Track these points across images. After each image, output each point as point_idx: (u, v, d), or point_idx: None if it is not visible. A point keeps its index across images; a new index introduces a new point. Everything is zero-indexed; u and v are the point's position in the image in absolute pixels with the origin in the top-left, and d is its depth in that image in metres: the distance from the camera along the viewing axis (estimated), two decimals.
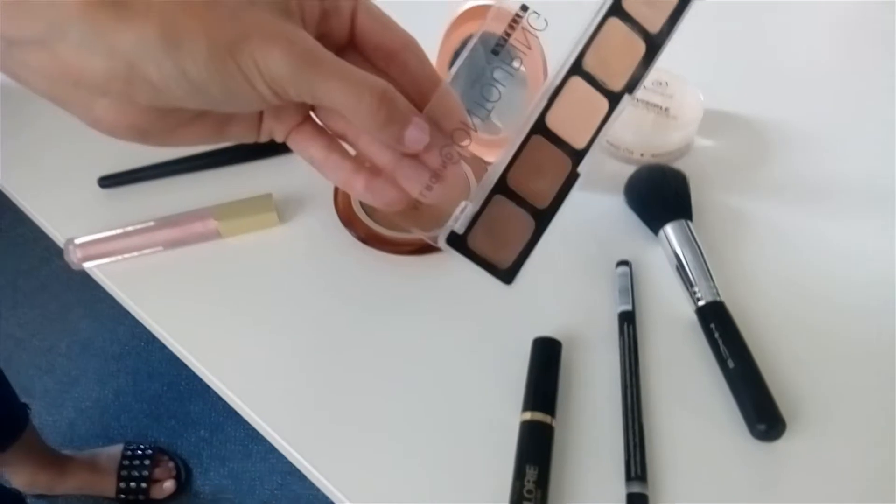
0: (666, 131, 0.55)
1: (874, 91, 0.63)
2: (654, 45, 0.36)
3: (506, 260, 0.35)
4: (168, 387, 1.36)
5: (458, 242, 0.35)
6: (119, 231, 0.50)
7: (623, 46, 0.36)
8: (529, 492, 0.38)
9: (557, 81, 0.36)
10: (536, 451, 0.40)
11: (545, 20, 0.36)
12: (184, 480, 1.23)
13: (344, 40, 0.33)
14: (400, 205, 0.33)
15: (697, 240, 0.49)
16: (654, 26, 0.36)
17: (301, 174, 0.54)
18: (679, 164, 0.56)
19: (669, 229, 0.49)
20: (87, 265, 0.50)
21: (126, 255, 0.50)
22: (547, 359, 0.44)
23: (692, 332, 0.46)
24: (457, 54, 0.53)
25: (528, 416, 0.42)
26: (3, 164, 0.56)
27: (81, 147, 0.56)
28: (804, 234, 0.52)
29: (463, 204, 0.35)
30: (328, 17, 0.32)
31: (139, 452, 1.22)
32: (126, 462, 1.20)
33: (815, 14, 0.70)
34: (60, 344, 1.42)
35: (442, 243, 0.36)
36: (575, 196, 0.35)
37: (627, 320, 0.46)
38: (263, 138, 0.34)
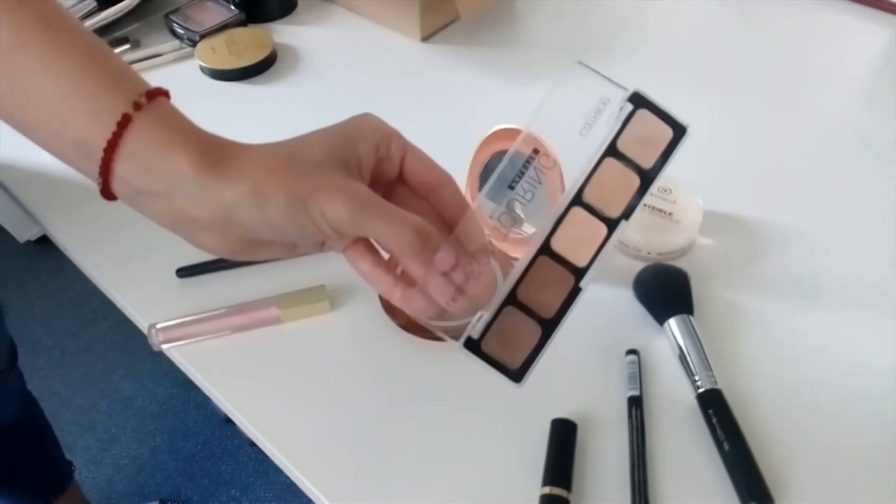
0: (670, 233, 0.62)
1: (863, 194, 0.70)
2: (647, 178, 0.42)
3: (516, 362, 0.41)
4: (202, 446, 1.42)
5: (473, 346, 0.41)
6: (194, 317, 0.58)
7: (619, 181, 0.42)
8: None
9: (561, 211, 0.42)
10: None
11: (554, 160, 0.44)
12: None
13: (394, 178, 0.42)
14: (428, 313, 0.41)
15: (698, 332, 0.56)
16: (647, 163, 0.42)
17: (349, 268, 0.62)
18: (682, 262, 0.63)
19: (673, 322, 0.56)
20: (165, 347, 0.58)
21: (199, 338, 0.58)
22: (564, 438, 0.51)
23: (693, 416, 0.53)
24: (486, 168, 0.62)
25: (547, 490, 0.48)
26: (99, 261, 0.65)
27: (161, 243, 0.64)
28: (795, 328, 0.59)
29: (479, 314, 0.41)
30: (382, 164, 0.41)
31: None
32: None
33: (806, 122, 0.78)
34: (101, 403, 1.50)
35: (459, 347, 0.41)
36: (590, 290, 0.41)
37: (636, 404, 0.53)
38: (324, 252, 0.43)
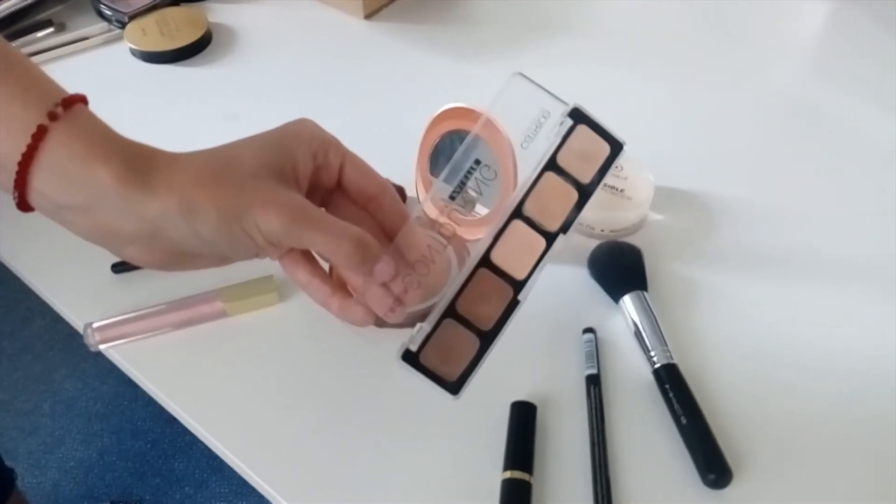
0: (622, 210, 0.62)
1: (812, 166, 0.71)
2: (585, 193, 0.42)
3: (453, 375, 0.41)
4: (152, 445, 1.38)
5: (411, 359, 0.40)
6: (133, 314, 0.55)
7: (558, 195, 0.42)
8: None
9: (501, 224, 0.42)
10: None
11: (494, 171, 0.45)
12: None
13: (332, 186, 0.41)
14: (366, 323, 0.40)
15: (652, 308, 0.55)
16: (585, 177, 0.42)
17: None
18: (635, 238, 0.63)
19: (628, 299, 0.56)
20: (102, 347, 0.55)
21: (140, 337, 0.55)
22: (523, 421, 0.50)
23: (650, 392, 0.53)
24: (435, 148, 0.60)
25: (508, 474, 0.47)
26: (29, 259, 0.61)
27: None
28: (748, 301, 0.59)
29: (418, 326, 0.41)
30: (319, 171, 0.40)
31: None
32: None
33: (754, 96, 0.79)
34: (44, 405, 1.44)
35: (397, 360, 0.40)
36: (545, 269, 0.41)
37: (594, 383, 0.53)
38: (260, 259, 0.41)
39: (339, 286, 0.41)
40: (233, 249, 0.37)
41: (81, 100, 0.35)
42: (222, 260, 0.39)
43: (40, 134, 0.32)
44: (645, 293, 0.56)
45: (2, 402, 1.43)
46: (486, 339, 0.41)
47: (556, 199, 0.42)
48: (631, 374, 0.54)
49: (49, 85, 0.35)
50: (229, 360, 0.55)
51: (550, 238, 0.42)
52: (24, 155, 0.32)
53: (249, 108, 0.76)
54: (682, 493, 0.48)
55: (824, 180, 0.69)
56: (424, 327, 0.41)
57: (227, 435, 0.52)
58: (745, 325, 0.57)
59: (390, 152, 0.66)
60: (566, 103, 0.42)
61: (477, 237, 0.61)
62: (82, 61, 0.81)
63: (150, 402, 1.49)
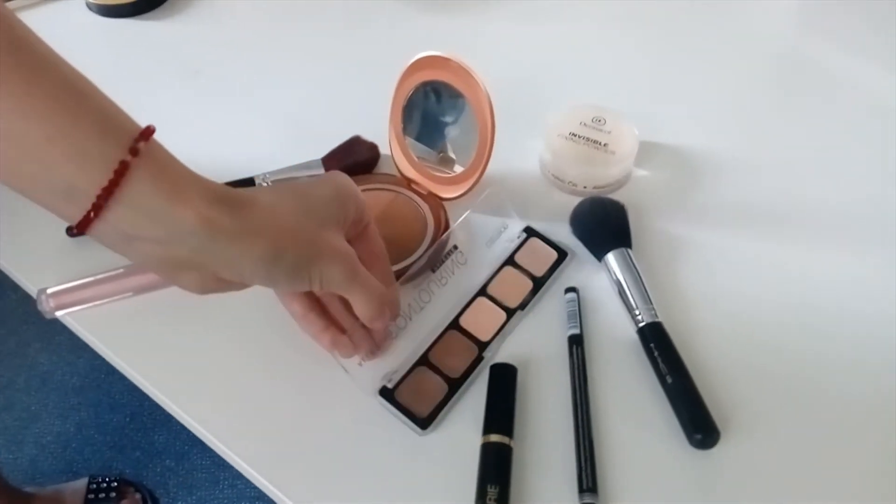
0: (606, 165, 0.59)
1: (796, 118, 0.68)
2: (539, 282, 0.54)
3: (424, 412, 0.47)
4: (131, 418, 1.35)
5: (387, 395, 0.48)
6: (90, 279, 0.52)
7: (516, 282, 0.54)
8: None
9: (468, 299, 0.53)
10: (497, 470, 0.44)
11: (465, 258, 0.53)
12: None
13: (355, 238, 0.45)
14: (351, 356, 0.47)
15: (636, 266, 0.53)
16: (538, 272, 0.55)
17: None
18: (619, 195, 0.60)
19: (611, 257, 0.54)
20: (59, 313, 0.52)
21: (97, 303, 0.52)
22: (503, 384, 0.48)
23: (635, 351, 0.51)
24: (409, 101, 0.57)
25: (487, 438, 0.45)
26: None
27: None
28: (734, 256, 0.57)
29: (394, 368, 0.49)
30: (350, 226, 0.44)
31: (104, 485, 1.21)
32: (91, 496, 1.20)
33: (738, 48, 0.76)
34: (18, 379, 1.41)
35: (374, 394, 0.48)
36: (508, 334, 0.51)
37: (576, 343, 0.50)
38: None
39: (332, 322, 0.47)
40: (288, 287, 0.42)
41: (152, 132, 0.35)
42: (244, 286, 0.41)
43: (122, 170, 0.33)
44: (629, 250, 0.54)
45: None
46: (454, 385, 0.48)
47: (514, 286, 0.54)
48: (615, 334, 0.52)
49: (122, 117, 0.35)
50: (192, 327, 0.53)
51: (511, 312, 0.52)
52: (104, 189, 0.32)
53: (212, 64, 0.72)
54: (669, 454, 0.46)
55: (810, 133, 0.67)
56: (400, 371, 0.49)
57: (189, 401, 0.49)
58: (731, 282, 0.55)
59: (361, 107, 0.63)
60: (522, 222, 0.57)
61: (453, 195, 0.58)
62: (37, 15, 0.76)
63: None
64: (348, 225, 0.43)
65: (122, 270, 0.52)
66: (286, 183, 0.42)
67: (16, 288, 1.52)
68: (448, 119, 0.57)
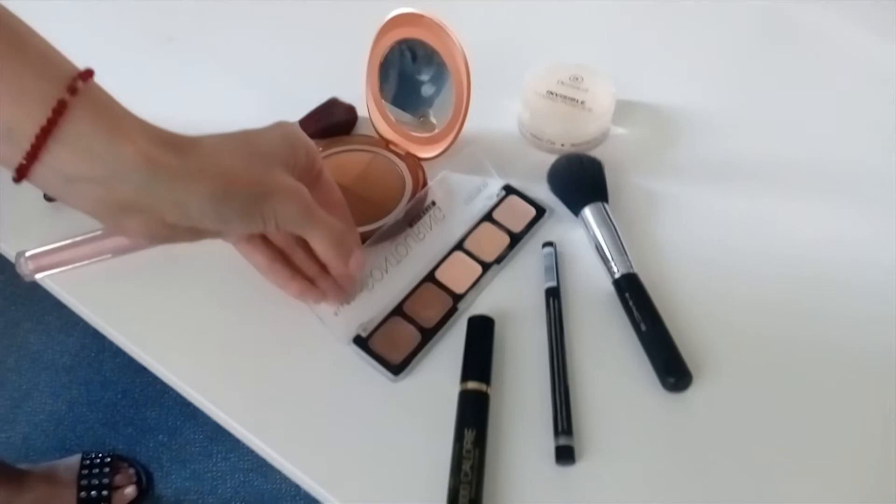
0: (583, 123, 0.60)
1: (774, 77, 0.69)
2: (516, 238, 0.55)
3: (397, 359, 0.48)
4: (122, 395, 1.36)
5: (361, 343, 0.49)
6: (68, 241, 0.52)
7: (494, 238, 0.55)
8: (468, 451, 0.43)
9: (444, 254, 0.54)
10: (473, 415, 0.45)
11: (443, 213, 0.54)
12: (145, 485, 1.24)
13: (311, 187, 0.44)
14: (318, 303, 0.48)
15: (613, 220, 0.54)
16: (516, 228, 0.55)
17: None
18: (597, 152, 0.61)
19: (588, 211, 0.54)
20: (38, 276, 0.52)
21: (77, 265, 0.52)
22: (481, 334, 0.49)
23: (610, 303, 0.51)
24: (385, 60, 0.57)
25: (465, 385, 0.46)
26: None
27: None
28: (709, 211, 0.58)
29: (369, 318, 0.50)
30: (303, 172, 0.44)
31: (98, 461, 1.22)
32: (85, 472, 1.20)
33: (716, 6, 0.76)
34: (9, 359, 1.41)
35: (348, 342, 0.49)
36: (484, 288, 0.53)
37: (553, 295, 0.51)
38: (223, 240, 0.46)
39: (298, 271, 0.47)
40: (241, 226, 0.41)
41: (91, 74, 0.35)
42: (199, 235, 0.41)
43: (60, 108, 0.33)
44: (605, 204, 0.55)
45: None
46: (428, 335, 0.49)
47: (491, 241, 0.54)
48: (591, 286, 0.53)
49: (60, 59, 0.35)
50: (173, 288, 0.53)
51: (486, 266, 0.53)
52: (42, 129, 0.32)
53: (186, 30, 0.71)
54: (643, 398, 0.47)
55: (788, 92, 0.67)
56: (374, 320, 0.49)
57: (169, 357, 0.50)
58: (706, 236, 0.56)
59: (337, 68, 0.63)
60: (501, 181, 0.57)
61: (431, 154, 0.58)
62: None
63: (118, 353, 1.46)
64: (299, 170, 0.43)
65: (100, 233, 0.53)
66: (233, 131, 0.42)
67: (3, 269, 1.51)
68: (424, 77, 0.57)
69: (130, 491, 1.21)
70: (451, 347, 0.49)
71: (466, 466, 0.42)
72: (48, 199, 0.56)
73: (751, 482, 0.44)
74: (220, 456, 1.28)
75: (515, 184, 0.58)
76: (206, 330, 0.51)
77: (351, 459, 0.45)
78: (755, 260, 0.54)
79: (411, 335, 0.49)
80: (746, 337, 0.50)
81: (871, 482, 0.44)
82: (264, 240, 0.47)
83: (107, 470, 1.21)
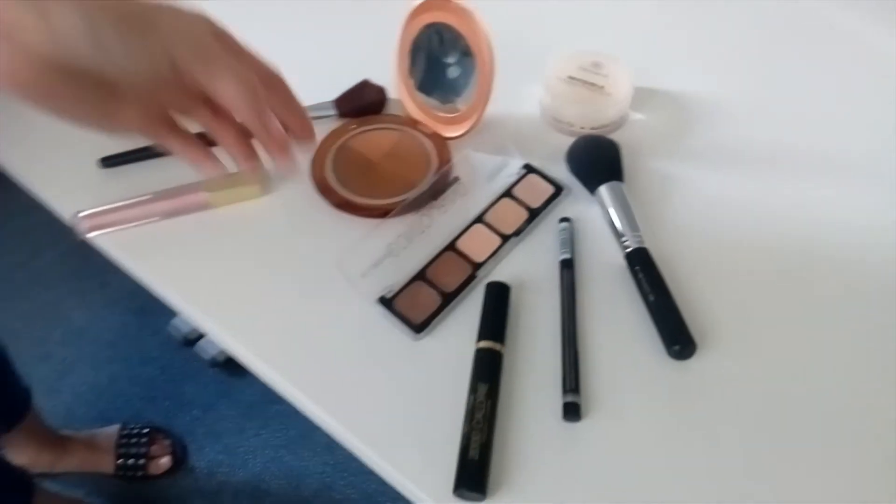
0: (602, 107, 0.62)
1: (793, 68, 0.70)
2: (534, 213, 0.58)
3: (418, 320, 0.52)
4: (161, 371, 1.42)
5: (386, 303, 0.53)
6: (121, 203, 0.57)
7: (513, 212, 0.58)
8: (481, 402, 0.46)
9: (465, 225, 0.57)
10: (487, 371, 0.48)
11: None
12: (180, 456, 1.29)
13: None
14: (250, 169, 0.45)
15: (627, 198, 0.56)
16: (535, 203, 0.58)
17: None
18: (615, 136, 0.63)
19: (604, 189, 0.57)
20: (92, 235, 0.57)
21: (127, 226, 0.57)
22: (498, 299, 0.52)
23: (621, 276, 0.54)
24: (415, 44, 0.60)
25: (481, 344, 0.49)
26: (8, 146, 0.62)
27: (84, 134, 0.63)
28: (720, 193, 0.60)
29: (394, 282, 0.53)
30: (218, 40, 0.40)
31: (136, 431, 1.28)
32: (123, 440, 1.26)
33: (730, 1, 0.78)
34: (54, 333, 1.48)
35: (373, 302, 0.52)
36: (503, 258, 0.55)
37: (567, 266, 0.54)
38: (133, 128, 0.41)
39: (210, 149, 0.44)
40: (129, 64, 0.35)
41: None
42: (100, 103, 0.37)
43: None
44: (621, 183, 0.57)
45: (15, 330, 1.47)
46: (448, 298, 0.53)
47: (511, 215, 0.58)
48: (603, 260, 0.55)
49: None
50: (216, 250, 0.57)
51: (506, 238, 0.56)
52: None
53: (225, 14, 0.75)
54: (648, 364, 0.50)
55: (805, 80, 0.69)
56: (398, 283, 0.53)
57: (209, 310, 0.53)
58: (718, 217, 0.58)
59: (369, 52, 0.67)
60: (521, 161, 0.61)
61: (456, 134, 0.62)
62: None
63: (158, 331, 1.53)
64: (209, 38, 0.38)
65: (150, 196, 0.57)
66: None
67: (54, 246, 1.58)
68: (450, 60, 0.61)
69: (166, 461, 1.27)
70: (469, 311, 0.52)
71: (479, 415, 0.45)
72: (104, 165, 0.61)
73: (747, 448, 0.46)
74: (251, 432, 1.33)
75: (535, 163, 0.61)
76: (243, 287, 0.55)
77: (376, 408, 0.48)
78: (764, 241, 0.56)
79: (432, 298, 0.53)
80: (751, 313, 0.52)
81: (872, 455, 0.46)
82: (173, 126, 0.43)
83: (144, 440, 1.27)
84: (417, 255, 0.55)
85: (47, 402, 1.38)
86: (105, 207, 0.57)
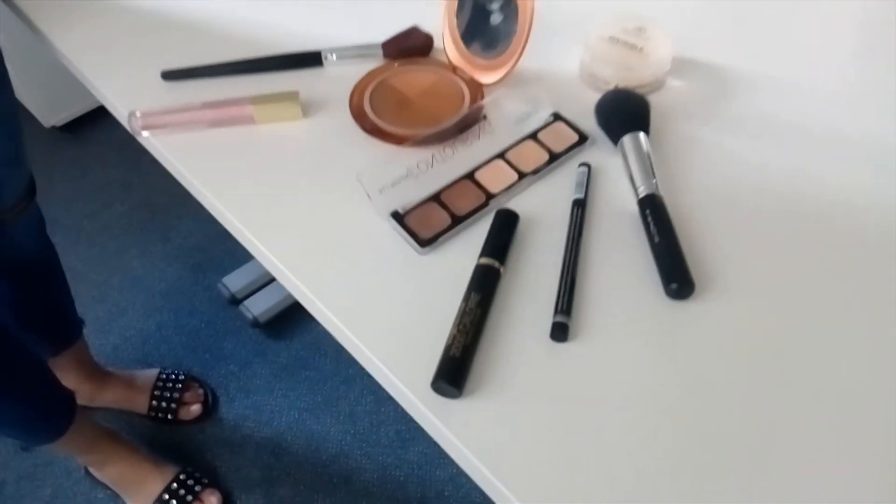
0: (639, 68, 0.64)
1: (836, 46, 0.70)
2: (555, 157, 0.60)
3: (426, 236, 0.54)
4: (206, 324, 1.48)
5: (398, 218, 0.55)
6: (172, 107, 0.62)
7: (534, 154, 0.60)
8: (471, 309, 0.47)
9: (486, 159, 0.59)
10: (481, 283, 0.49)
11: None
12: (210, 407, 1.34)
13: None
14: None
15: (648, 147, 0.57)
16: (557, 148, 0.60)
17: (326, 84, 0.65)
18: (650, 98, 0.64)
19: (626, 139, 0.58)
20: (145, 133, 0.61)
21: (177, 129, 0.61)
22: (505, 224, 0.54)
23: (631, 222, 0.55)
24: None
25: (481, 261, 0.51)
26: (80, 50, 0.68)
27: (148, 44, 0.68)
28: (742, 157, 0.60)
29: (409, 200, 0.55)
30: None
31: (173, 377, 1.33)
32: (160, 384, 1.32)
33: None
34: (113, 279, 1.56)
35: (386, 217, 0.55)
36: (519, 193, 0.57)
37: (579, 205, 0.55)
38: None
39: None
40: None
41: None
42: None
43: None
44: (644, 134, 0.58)
45: (78, 271, 1.57)
46: (457, 220, 0.55)
47: (532, 156, 0.60)
48: (616, 206, 0.56)
49: None
50: (256, 162, 0.61)
51: (522, 175, 0.58)
52: None
53: None
54: (644, 300, 0.50)
55: (852, 61, 0.68)
56: (413, 202, 0.56)
57: (242, 214, 0.57)
58: (737, 180, 0.58)
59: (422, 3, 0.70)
60: (549, 109, 0.62)
61: (491, 80, 0.64)
62: None
63: (209, 287, 1.59)
64: None
65: (201, 104, 0.62)
66: None
67: (123, 202, 1.66)
68: (494, 7, 0.63)
69: (196, 408, 1.32)
70: (476, 235, 0.54)
71: (467, 321, 0.47)
72: (165, 78, 0.66)
73: (729, 390, 0.46)
74: (280, 393, 1.36)
75: (565, 114, 0.62)
76: (271, 193, 0.58)
77: (371, 306, 0.50)
78: (779, 203, 0.56)
79: (443, 218, 0.55)
80: (754, 267, 0.52)
81: (861, 403, 0.45)
82: None
83: (179, 386, 1.32)
84: (435, 180, 0.57)
85: (97, 340, 1.46)
86: (158, 109, 0.61)
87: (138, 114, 0.61)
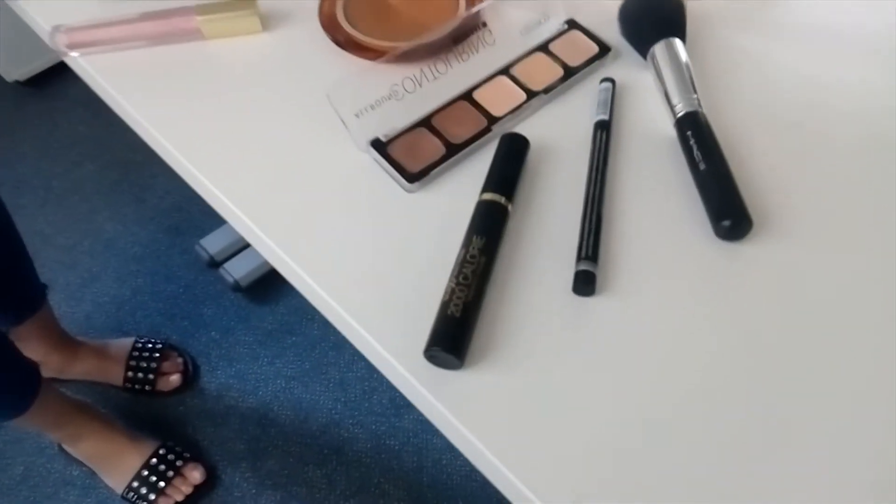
0: None
1: None
2: (571, 72, 0.49)
3: (415, 168, 0.44)
4: (184, 289, 1.38)
5: (380, 147, 0.45)
6: (104, 20, 0.50)
7: (546, 68, 0.50)
8: (473, 257, 0.38)
9: (487, 76, 0.49)
10: (485, 224, 0.40)
11: None
12: (191, 376, 1.25)
13: None
14: None
15: (685, 56, 0.47)
16: (573, 62, 0.50)
17: None
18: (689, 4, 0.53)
19: (658, 48, 0.47)
20: (73, 54, 0.50)
21: (111, 47, 0.50)
22: (512, 152, 0.43)
23: (667, 146, 0.45)
24: None
25: (484, 196, 0.41)
26: None
27: None
28: (792, 69, 0.50)
29: (393, 126, 0.46)
30: None
31: (150, 346, 1.24)
32: (136, 353, 1.23)
33: None
34: (84, 242, 1.46)
35: (365, 147, 0.45)
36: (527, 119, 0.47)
37: (602, 128, 0.45)
38: None
39: None
40: None
41: None
42: None
43: None
44: (680, 41, 0.48)
45: (45, 236, 1.46)
46: (454, 149, 0.45)
47: (543, 71, 0.49)
48: (648, 127, 0.46)
49: None
50: (206, 84, 0.50)
51: (532, 94, 0.48)
52: None
53: None
54: (688, 241, 0.40)
55: None
56: (398, 128, 0.46)
57: (188, 149, 0.47)
58: (788, 94, 0.48)
59: None
60: (564, 15, 0.52)
61: None
62: None
63: (187, 251, 1.49)
64: None
65: (138, 16, 0.51)
66: None
67: (94, 160, 1.54)
68: None
69: (175, 378, 1.23)
70: (477, 167, 0.44)
71: (468, 271, 0.37)
72: None
73: (787, 354, 0.36)
74: (265, 360, 1.28)
75: (582, 21, 0.52)
76: (226, 125, 0.48)
77: (349, 260, 0.41)
78: (837, 124, 0.46)
79: (435, 148, 0.45)
80: (825, 204, 0.42)
81: None
82: None
83: (157, 356, 1.23)
84: (425, 102, 0.47)
85: (68, 308, 1.36)
86: (88, 23, 0.50)
87: (63, 28, 0.50)
